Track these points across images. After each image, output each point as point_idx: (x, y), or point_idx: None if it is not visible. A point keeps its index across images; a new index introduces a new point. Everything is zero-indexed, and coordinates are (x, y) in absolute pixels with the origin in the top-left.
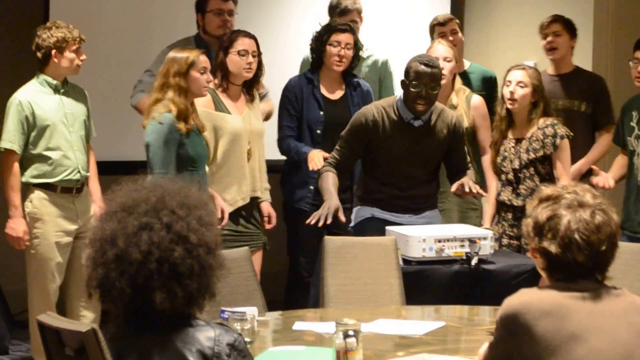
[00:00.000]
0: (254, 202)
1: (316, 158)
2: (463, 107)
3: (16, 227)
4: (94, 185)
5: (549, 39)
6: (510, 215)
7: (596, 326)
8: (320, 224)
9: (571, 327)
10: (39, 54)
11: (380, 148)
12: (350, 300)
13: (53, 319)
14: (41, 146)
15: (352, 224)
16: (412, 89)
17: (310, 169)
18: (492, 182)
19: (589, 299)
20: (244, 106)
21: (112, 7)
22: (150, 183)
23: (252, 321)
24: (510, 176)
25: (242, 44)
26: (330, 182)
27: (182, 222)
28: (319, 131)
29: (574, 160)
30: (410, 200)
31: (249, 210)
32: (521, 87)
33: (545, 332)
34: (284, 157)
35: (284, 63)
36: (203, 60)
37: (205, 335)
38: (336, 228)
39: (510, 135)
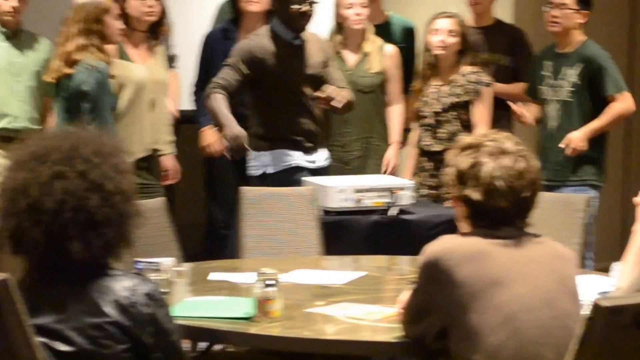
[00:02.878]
0: (155, 154)
1: (211, 143)
2: (375, 54)
3: None
4: None
5: None
6: (429, 165)
7: (518, 272)
8: (238, 157)
9: (492, 272)
10: None
11: (269, 72)
12: (268, 251)
13: None
14: None
15: (252, 172)
16: (293, 6)
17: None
18: (412, 132)
19: (511, 245)
20: (147, 55)
21: None
22: (62, 131)
23: (168, 272)
24: (431, 120)
25: None
26: (223, 105)
27: (97, 169)
28: None
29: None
30: (301, 130)
31: (150, 163)
32: (452, 35)
33: (466, 278)
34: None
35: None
36: (115, 6)
37: (122, 284)
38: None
39: (433, 81)
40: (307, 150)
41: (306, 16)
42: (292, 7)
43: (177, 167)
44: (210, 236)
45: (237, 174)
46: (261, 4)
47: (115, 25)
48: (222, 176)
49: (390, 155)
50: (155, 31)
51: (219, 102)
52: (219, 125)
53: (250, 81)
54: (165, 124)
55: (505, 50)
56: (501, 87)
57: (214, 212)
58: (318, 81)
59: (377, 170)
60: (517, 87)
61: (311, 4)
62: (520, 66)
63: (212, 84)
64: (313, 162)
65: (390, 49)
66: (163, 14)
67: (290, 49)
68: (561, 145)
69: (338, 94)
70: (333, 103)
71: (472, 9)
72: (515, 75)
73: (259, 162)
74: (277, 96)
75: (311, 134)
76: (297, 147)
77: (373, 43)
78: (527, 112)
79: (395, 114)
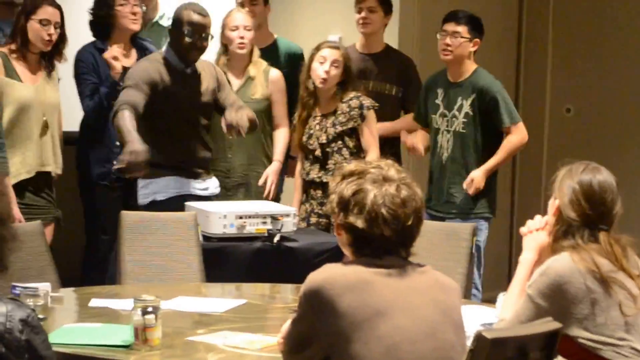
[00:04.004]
0: (45, 176)
1: (117, 52)
2: (260, 79)
3: None
4: None
5: (363, 14)
6: (319, 193)
7: (401, 303)
8: (130, 176)
9: (375, 303)
10: None
11: (163, 99)
12: (149, 277)
13: None
14: None
15: (141, 201)
16: (187, 39)
17: (114, 70)
18: (298, 164)
19: (394, 275)
20: (39, 76)
21: None
22: None
23: (46, 297)
24: (318, 153)
25: (45, 12)
26: (129, 122)
27: None
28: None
29: (381, 146)
30: (194, 158)
31: (38, 184)
32: (335, 67)
33: (349, 308)
34: (78, 130)
35: (78, 31)
36: None
37: None
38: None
39: (315, 112)
40: (199, 177)
41: (198, 49)
42: (185, 39)
43: None
44: (88, 261)
45: (118, 198)
46: (140, 23)
47: None
48: (103, 200)
49: (270, 170)
50: (51, 57)
51: (125, 119)
52: (122, 143)
53: (146, 104)
54: (56, 145)
55: (393, 79)
56: (387, 125)
57: (94, 236)
58: (211, 108)
59: (259, 198)
60: (404, 121)
61: (204, 38)
62: (408, 96)
63: (118, 103)
64: (206, 189)
65: (275, 74)
66: (62, 43)
67: (183, 77)
68: (464, 185)
69: (240, 119)
70: (241, 131)
71: (362, 29)
72: (404, 105)
73: (148, 189)
74: (170, 124)
75: (203, 160)
76: (189, 174)
77: (259, 67)
78: (418, 144)
79: (281, 136)
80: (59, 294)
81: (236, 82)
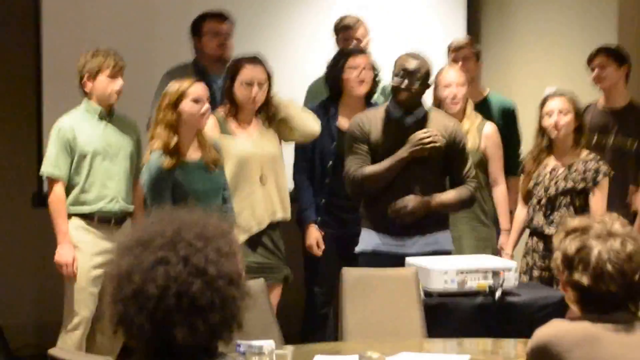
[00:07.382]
0: (276, 227)
1: (314, 245)
2: (474, 133)
3: (64, 252)
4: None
5: (596, 71)
6: (541, 246)
7: (630, 359)
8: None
9: (604, 359)
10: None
11: (378, 150)
12: (370, 333)
13: (66, 353)
14: (81, 174)
15: (358, 249)
16: (396, 79)
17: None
18: (521, 211)
19: (622, 330)
20: (255, 130)
21: (110, 29)
22: (168, 215)
23: (271, 355)
24: (544, 202)
25: (246, 74)
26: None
27: (200, 254)
28: (330, 163)
29: (621, 200)
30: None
31: (270, 237)
32: (564, 114)
33: None
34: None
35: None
36: (196, 89)
37: None
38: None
39: (548, 162)
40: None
41: (405, 90)
42: (396, 80)
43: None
44: (309, 316)
45: (339, 252)
46: (367, 87)
47: (194, 108)
48: (324, 254)
49: (504, 243)
50: (261, 111)
51: (371, 165)
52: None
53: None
54: (282, 195)
55: (635, 133)
56: None
57: (314, 291)
58: (435, 166)
59: (474, 251)
60: None
61: (414, 81)
62: None
63: (352, 168)
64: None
65: (490, 129)
66: (269, 94)
67: (401, 128)
68: None
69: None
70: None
71: (598, 85)
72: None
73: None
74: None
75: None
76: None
77: (472, 121)
78: None
79: (501, 198)
80: (282, 352)
81: None
